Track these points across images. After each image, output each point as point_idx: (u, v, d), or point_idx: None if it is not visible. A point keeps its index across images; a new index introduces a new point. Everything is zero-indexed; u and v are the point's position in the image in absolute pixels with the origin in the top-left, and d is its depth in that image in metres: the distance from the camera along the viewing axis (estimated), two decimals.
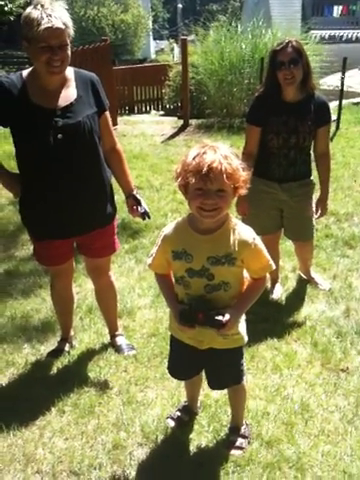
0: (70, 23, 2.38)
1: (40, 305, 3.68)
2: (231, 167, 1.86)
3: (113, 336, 3.23)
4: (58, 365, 3.03)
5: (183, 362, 2.35)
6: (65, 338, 3.21)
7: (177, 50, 23.79)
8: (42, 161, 2.52)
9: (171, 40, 30.32)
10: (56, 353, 3.12)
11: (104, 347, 3.20)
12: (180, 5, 32.14)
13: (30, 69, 2.54)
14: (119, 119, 10.00)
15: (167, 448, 2.43)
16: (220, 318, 2.01)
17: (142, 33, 24.90)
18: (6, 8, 12.42)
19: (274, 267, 2.17)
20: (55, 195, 2.59)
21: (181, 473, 2.30)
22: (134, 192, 2.86)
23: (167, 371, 2.48)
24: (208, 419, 2.58)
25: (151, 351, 3.13)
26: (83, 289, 3.91)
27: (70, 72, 2.58)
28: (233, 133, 8.59)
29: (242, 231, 2.04)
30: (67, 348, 3.16)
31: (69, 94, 2.53)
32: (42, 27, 2.26)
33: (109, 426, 2.57)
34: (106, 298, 3.18)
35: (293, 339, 3.24)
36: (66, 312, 3.20)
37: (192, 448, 2.43)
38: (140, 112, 12.69)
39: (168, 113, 11.67)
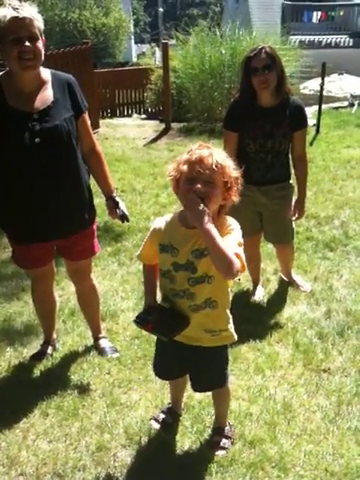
0: (40, 17, 2.37)
1: (22, 308, 3.66)
2: (222, 161, 1.94)
3: (96, 339, 3.23)
4: (41, 368, 3.02)
5: (169, 361, 2.36)
6: (48, 341, 3.20)
7: (158, 54, 23.84)
8: (20, 165, 2.49)
9: (152, 44, 30.37)
10: (39, 356, 3.10)
11: (87, 350, 3.20)
12: (161, 9, 32.20)
13: (4, 71, 2.50)
14: (101, 122, 9.99)
15: (151, 450, 2.45)
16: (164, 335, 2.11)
17: (123, 36, 24.95)
18: None
19: (237, 265, 1.96)
20: (33, 199, 2.57)
21: (165, 474, 2.32)
22: (113, 194, 2.86)
23: (153, 371, 2.49)
24: (191, 420, 2.60)
25: (134, 353, 3.14)
26: (66, 292, 3.91)
27: (47, 74, 2.56)
28: (214, 137, 8.62)
29: (228, 222, 2.08)
30: (50, 351, 3.15)
31: (46, 97, 2.50)
32: (7, 18, 2.26)
33: (93, 428, 2.57)
34: (88, 301, 3.18)
35: (275, 340, 3.28)
36: (48, 315, 3.19)
37: (176, 449, 2.44)
38: (122, 115, 12.68)
39: (150, 116, 11.69)
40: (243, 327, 3.34)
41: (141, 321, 2.16)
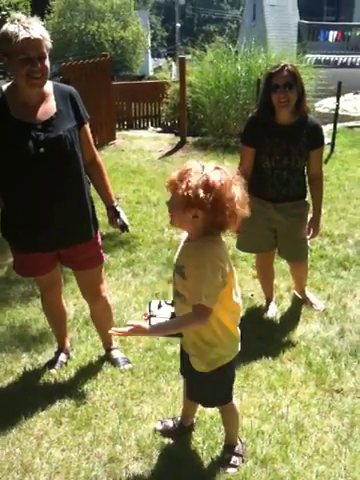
0: (47, 36, 2.41)
1: (38, 315, 3.69)
2: (176, 178, 1.90)
3: (109, 349, 3.25)
4: (56, 376, 3.04)
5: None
6: (61, 349, 3.23)
7: (175, 68, 24.05)
8: (24, 175, 2.52)
9: (169, 58, 30.66)
10: (53, 364, 3.13)
11: (101, 360, 3.21)
12: (178, 24, 32.53)
13: (9, 84, 2.55)
14: (117, 134, 10.07)
15: (162, 464, 2.44)
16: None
17: (141, 50, 25.23)
18: (7, 19, 12.53)
19: (206, 305, 1.99)
20: (36, 208, 2.59)
21: None
22: (114, 204, 2.89)
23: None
24: (203, 436, 2.60)
25: (147, 365, 3.15)
26: (80, 301, 3.92)
27: (49, 86, 2.59)
28: (228, 152, 8.68)
29: (207, 247, 1.99)
30: (64, 359, 3.17)
31: (49, 108, 2.54)
32: (20, 38, 2.28)
33: (105, 439, 2.58)
34: (102, 319, 3.19)
35: (288, 358, 3.27)
36: (59, 324, 3.22)
37: (187, 465, 2.44)
38: (138, 128, 12.78)
39: (165, 130, 11.77)
40: (255, 344, 3.38)
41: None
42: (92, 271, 2.94)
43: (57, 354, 3.21)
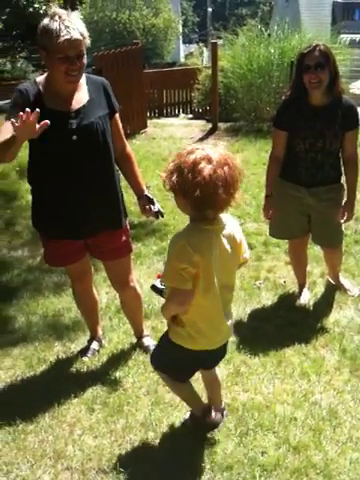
0: (86, 33, 2.45)
1: (70, 304, 3.72)
2: (171, 166, 1.92)
3: (140, 337, 3.27)
4: (88, 363, 3.08)
5: None
6: (93, 337, 3.26)
7: (206, 54, 23.84)
8: (57, 163, 2.57)
9: (200, 44, 30.37)
10: (86, 352, 3.17)
11: (132, 347, 3.23)
12: (210, 9, 32.15)
13: (44, 75, 2.62)
14: (149, 122, 10.05)
15: (195, 450, 2.45)
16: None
17: (172, 37, 25.11)
18: (41, 11, 12.63)
19: (175, 286, 2.04)
20: (69, 196, 2.63)
21: (208, 475, 2.32)
22: (146, 192, 2.88)
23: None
24: (235, 422, 2.59)
25: None
26: (112, 290, 3.90)
27: (82, 78, 2.63)
28: (261, 137, 8.56)
29: (182, 231, 2.06)
30: (96, 347, 3.21)
31: (81, 97, 2.60)
32: (61, 39, 2.33)
33: (137, 426, 2.60)
34: (132, 308, 3.21)
35: (321, 345, 3.23)
36: (90, 314, 3.25)
37: (219, 451, 2.44)
38: (169, 115, 12.74)
39: (197, 116, 11.68)
40: (288, 330, 3.35)
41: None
42: (121, 261, 2.95)
43: (89, 342, 3.24)
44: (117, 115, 2.76)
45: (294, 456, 2.41)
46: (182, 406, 2.71)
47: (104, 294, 3.89)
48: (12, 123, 2.18)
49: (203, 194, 1.85)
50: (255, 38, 9.95)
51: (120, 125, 2.81)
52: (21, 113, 2.14)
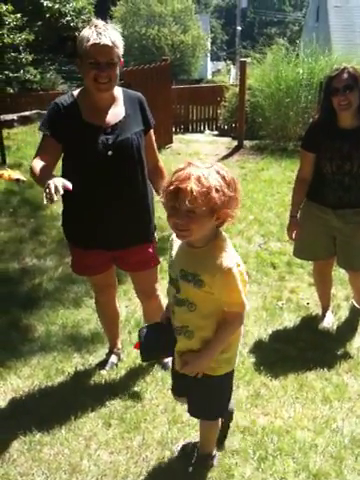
0: (120, 43, 2.47)
1: (90, 315, 3.72)
2: (201, 188, 1.74)
3: None
4: (106, 377, 3.05)
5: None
6: (112, 350, 3.24)
7: (233, 72, 23.97)
8: (91, 176, 2.59)
9: (228, 61, 30.58)
10: (104, 365, 3.14)
11: (151, 363, 3.19)
12: (239, 27, 32.39)
13: (81, 88, 2.66)
14: (174, 137, 10.10)
15: (212, 472, 2.39)
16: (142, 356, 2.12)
17: (200, 54, 25.32)
18: (72, 24, 12.88)
19: (247, 307, 1.98)
20: (100, 208, 2.64)
21: None
22: None
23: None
24: (254, 447, 2.53)
25: None
26: (132, 303, 3.94)
27: (119, 91, 2.67)
28: (287, 156, 8.54)
29: (223, 257, 1.88)
30: (115, 360, 3.18)
31: (118, 112, 2.62)
32: (90, 43, 2.37)
33: (154, 443, 2.56)
34: (155, 319, 3.17)
35: (344, 370, 3.15)
36: (111, 326, 3.24)
37: (237, 475, 2.38)
38: (195, 131, 12.80)
39: (222, 133, 11.72)
40: (310, 354, 3.28)
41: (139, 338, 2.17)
42: (147, 272, 2.94)
43: (108, 355, 3.22)
44: (151, 131, 2.79)
45: None
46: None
47: (124, 307, 3.86)
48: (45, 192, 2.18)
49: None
50: (284, 58, 9.98)
51: (154, 140, 2.83)
52: (54, 187, 2.15)
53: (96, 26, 2.42)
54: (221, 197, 1.78)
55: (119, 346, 3.28)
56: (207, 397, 2.18)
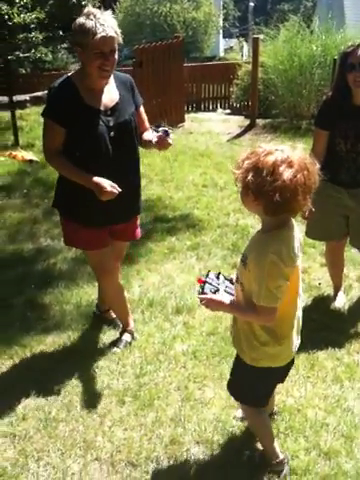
0: (119, 31, 2.62)
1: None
2: (239, 164, 1.84)
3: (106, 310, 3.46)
4: (119, 355, 3.10)
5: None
6: (125, 329, 3.29)
7: (246, 49, 23.62)
8: (96, 157, 2.72)
9: (241, 39, 30.10)
10: (118, 343, 3.19)
11: (164, 342, 3.23)
12: (252, 3, 31.83)
13: (75, 71, 2.78)
14: (186, 116, 10.02)
15: (224, 450, 2.45)
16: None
17: (212, 31, 24.87)
18: (83, 2, 12.73)
19: (266, 305, 1.94)
20: None
21: (235, 476, 2.31)
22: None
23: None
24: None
25: (210, 350, 3.15)
26: (145, 282, 3.97)
27: None
28: (300, 135, 8.43)
29: (263, 246, 1.91)
30: (128, 339, 3.24)
31: (113, 95, 2.77)
32: (98, 36, 2.50)
33: (167, 421, 2.61)
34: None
35: (355, 350, 3.17)
36: (119, 305, 3.28)
37: (247, 453, 2.43)
38: (207, 110, 12.68)
39: (234, 112, 11.59)
40: (322, 334, 3.29)
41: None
42: (126, 244, 3.29)
43: (121, 334, 3.26)
44: (141, 108, 2.95)
45: (325, 462, 2.38)
46: (212, 404, 2.71)
47: (137, 287, 3.90)
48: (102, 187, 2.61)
49: (282, 198, 1.77)
50: (297, 34, 9.80)
51: (144, 115, 2.99)
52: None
53: (96, 16, 2.52)
54: (242, 177, 1.82)
55: (132, 325, 3.32)
56: (239, 378, 2.27)
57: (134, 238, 3.25)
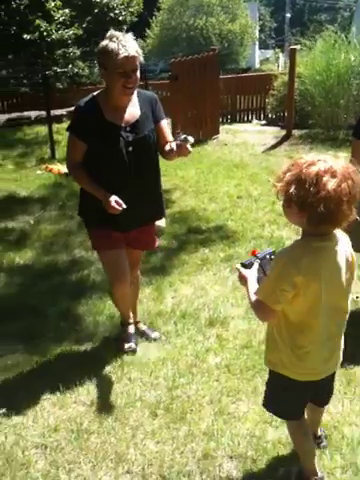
0: (140, 51, 2.78)
1: None
2: (280, 177, 1.82)
3: (137, 322, 3.47)
4: (151, 366, 3.09)
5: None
6: (127, 322, 3.34)
7: (282, 60, 23.53)
8: (115, 171, 2.91)
9: (277, 49, 30.01)
10: (129, 339, 3.29)
11: (197, 354, 3.20)
12: (288, 14, 31.75)
13: (100, 91, 2.95)
14: (221, 128, 10.02)
15: (258, 466, 2.38)
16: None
17: (248, 42, 24.97)
18: (120, 17, 12.96)
19: (262, 300, 1.94)
20: (123, 198, 2.83)
21: None
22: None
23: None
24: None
25: (243, 363, 3.10)
26: (178, 294, 3.96)
27: (134, 92, 2.94)
28: (337, 146, 8.33)
29: (292, 247, 1.94)
30: (132, 331, 3.33)
31: (134, 112, 2.93)
32: (120, 56, 2.66)
33: (200, 435, 2.57)
34: (134, 287, 3.38)
35: None
36: (123, 306, 3.32)
37: (283, 469, 2.36)
38: (242, 121, 12.67)
39: (270, 123, 11.55)
40: (359, 349, 3.19)
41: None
42: (141, 253, 3.43)
43: (125, 330, 3.34)
44: (162, 122, 3.04)
45: None
46: (246, 418, 2.66)
47: (169, 299, 3.89)
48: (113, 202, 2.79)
49: (326, 209, 1.74)
50: (334, 44, 9.72)
51: (165, 129, 3.08)
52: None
53: (118, 38, 2.69)
54: (284, 189, 1.80)
55: (131, 320, 3.36)
56: (267, 387, 2.25)
57: (149, 248, 3.45)
